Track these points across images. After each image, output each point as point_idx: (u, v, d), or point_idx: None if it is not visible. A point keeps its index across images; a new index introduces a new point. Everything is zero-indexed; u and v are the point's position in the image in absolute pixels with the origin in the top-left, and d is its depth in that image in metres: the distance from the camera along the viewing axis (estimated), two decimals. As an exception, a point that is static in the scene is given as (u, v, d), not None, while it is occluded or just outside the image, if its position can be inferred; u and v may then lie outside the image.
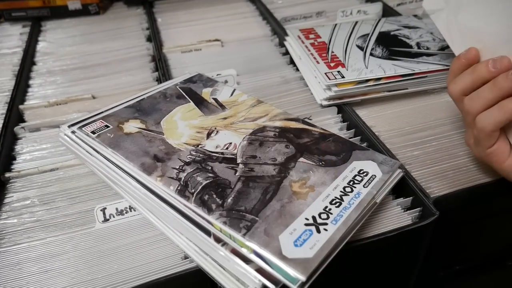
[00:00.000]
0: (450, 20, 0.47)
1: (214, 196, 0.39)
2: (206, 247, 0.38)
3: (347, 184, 0.41)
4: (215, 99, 0.55)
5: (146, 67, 0.71)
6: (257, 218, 0.37)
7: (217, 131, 0.48)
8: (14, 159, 0.54)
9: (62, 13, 0.85)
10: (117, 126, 0.49)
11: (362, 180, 0.42)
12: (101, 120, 0.49)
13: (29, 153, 0.55)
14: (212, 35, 0.78)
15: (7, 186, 0.50)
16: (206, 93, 0.57)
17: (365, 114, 0.58)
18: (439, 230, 0.44)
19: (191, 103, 0.54)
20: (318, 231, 0.36)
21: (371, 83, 0.57)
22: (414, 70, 0.58)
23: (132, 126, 0.49)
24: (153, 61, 0.73)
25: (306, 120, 0.52)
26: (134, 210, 0.45)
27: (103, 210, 0.45)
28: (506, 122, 0.39)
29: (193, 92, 0.56)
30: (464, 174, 0.49)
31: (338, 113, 0.59)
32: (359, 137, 0.55)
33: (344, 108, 0.58)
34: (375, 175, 0.42)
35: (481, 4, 0.43)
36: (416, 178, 0.48)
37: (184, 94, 0.56)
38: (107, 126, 0.48)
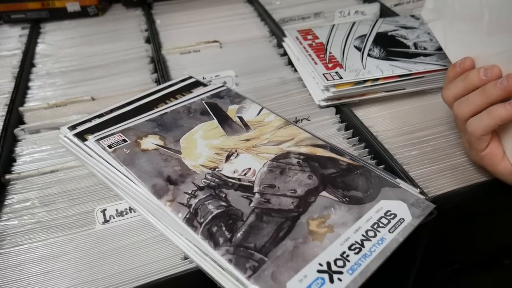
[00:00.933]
0: (445, 29, 0.50)
1: (223, 228, 0.37)
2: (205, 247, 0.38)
3: (371, 227, 0.37)
4: (241, 118, 0.52)
5: (145, 69, 0.71)
6: (265, 259, 0.34)
7: (237, 154, 0.45)
8: (14, 161, 0.54)
9: (61, 15, 0.85)
10: (135, 141, 0.47)
11: (388, 223, 0.38)
12: (120, 134, 0.48)
13: (29, 155, 0.55)
14: (210, 37, 0.78)
15: (8, 188, 0.50)
16: (232, 110, 0.53)
17: (363, 114, 0.59)
18: (437, 228, 0.44)
19: (215, 120, 0.51)
20: (332, 280, 0.32)
21: (369, 83, 0.57)
22: (411, 71, 0.58)
23: (150, 142, 0.47)
24: (152, 63, 0.73)
25: (334, 147, 0.48)
26: (134, 211, 0.45)
27: (103, 211, 0.45)
28: (495, 127, 0.41)
29: (218, 108, 0.53)
30: (461, 174, 0.49)
31: (336, 113, 0.59)
32: (357, 137, 0.55)
33: (342, 108, 0.59)
34: (403, 219, 0.38)
35: (473, 16, 0.45)
36: (414, 177, 0.48)
37: (209, 110, 0.53)
38: (125, 141, 0.47)
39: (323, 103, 0.58)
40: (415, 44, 0.64)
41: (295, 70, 0.69)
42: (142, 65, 0.72)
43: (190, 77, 0.61)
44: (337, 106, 0.59)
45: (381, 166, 0.50)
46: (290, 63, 0.71)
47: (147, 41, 0.79)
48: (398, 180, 0.45)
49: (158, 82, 0.68)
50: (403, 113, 0.59)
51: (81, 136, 0.48)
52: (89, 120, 0.51)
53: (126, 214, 0.46)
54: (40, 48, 0.78)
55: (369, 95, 0.59)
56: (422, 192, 0.45)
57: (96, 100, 0.65)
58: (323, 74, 0.58)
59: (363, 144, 0.54)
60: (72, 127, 0.50)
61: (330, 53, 0.63)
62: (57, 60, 0.75)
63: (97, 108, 0.63)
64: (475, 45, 0.45)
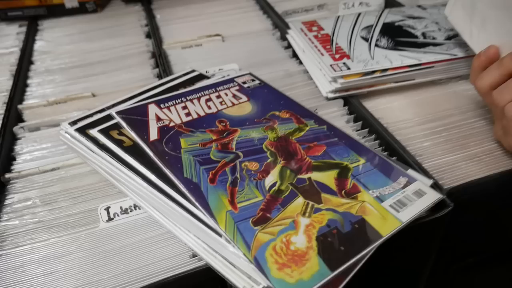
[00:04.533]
0: (470, 19, 0.51)
1: None
2: (215, 244, 0.36)
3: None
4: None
5: (146, 64, 0.70)
6: None
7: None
8: (14, 159, 0.53)
9: (59, 11, 0.83)
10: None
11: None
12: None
13: (29, 153, 0.53)
14: (212, 30, 0.76)
15: (8, 187, 0.49)
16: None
17: (372, 106, 0.57)
18: (452, 222, 0.43)
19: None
20: None
21: (377, 74, 0.55)
22: (421, 60, 0.56)
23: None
24: (153, 58, 0.71)
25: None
26: (139, 209, 0.44)
27: (107, 209, 0.44)
28: None
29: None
30: (476, 165, 0.47)
31: (344, 105, 0.58)
32: (367, 129, 0.53)
33: (351, 100, 0.57)
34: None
35: (504, 3, 0.46)
36: (428, 169, 0.46)
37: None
38: None
39: (331, 95, 0.57)
40: (423, 34, 0.63)
41: (300, 63, 0.67)
42: (143, 60, 0.71)
43: (193, 71, 0.60)
44: (345, 98, 0.58)
45: (394, 158, 0.49)
46: (294, 55, 0.69)
47: (148, 36, 0.77)
48: (410, 171, 0.43)
49: (159, 77, 0.66)
50: (413, 104, 0.57)
51: (83, 131, 0.47)
52: (91, 115, 0.49)
53: (130, 211, 0.44)
54: (38, 45, 0.77)
55: (378, 86, 0.57)
56: (436, 183, 0.43)
57: (97, 96, 0.64)
58: (331, 65, 0.56)
59: (373, 136, 0.52)
60: (73, 123, 0.48)
61: (337, 44, 0.61)
62: (56, 57, 0.73)
63: (98, 104, 0.61)
64: (503, 33, 0.46)
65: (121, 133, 0.45)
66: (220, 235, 0.35)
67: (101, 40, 0.77)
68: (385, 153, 0.50)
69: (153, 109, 0.49)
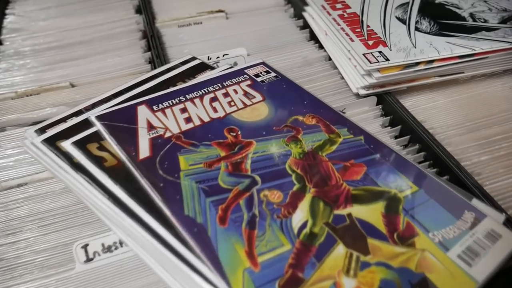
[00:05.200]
0: None
1: None
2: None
3: None
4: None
5: (136, 46, 0.59)
6: None
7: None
8: (-29, 170, 0.42)
9: (33, -21, 0.70)
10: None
11: None
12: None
13: (-10, 162, 0.43)
14: (214, 5, 0.65)
15: (-40, 209, 0.39)
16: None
17: (412, 105, 0.47)
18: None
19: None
20: None
21: (421, 66, 0.45)
22: (475, 50, 0.46)
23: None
24: (144, 38, 0.60)
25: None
26: (127, 245, 0.34)
27: (85, 247, 0.34)
28: None
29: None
30: (550, 187, 0.38)
31: (377, 103, 0.47)
32: (408, 136, 0.43)
33: (386, 97, 0.47)
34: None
35: None
36: (491, 193, 0.37)
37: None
38: None
39: (363, 91, 0.46)
40: (472, 16, 0.52)
41: (320, 47, 0.56)
42: (132, 42, 0.59)
43: (194, 58, 0.49)
44: (379, 94, 0.47)
45: (445, 177, 0.39)
46: (312, 37, 0.58)
47: (138, 11, 0.65)
48: (475, 201, 0.34)
49: (152, 62, 0.55)
50: (461, 103, 0.47)
51: (53, 143, 0.36)
52: (64, 119, 0.39)
53: (115, 249, 0.34)
54: (8, 21, 0.64)
55: (420, 81, 0.47)
56: (508, 219, 0.34)
57: (77, 86, 0.53)
58: (364, 55, 0.45)
59: (417, 146, 0.42)
60: (41, 130, 0.38)
61: (368, 26, 0.50)
62: (28, 35, 0.61)
63: (77, 97, 0.51)
64: None
65: (102, 147, 0.35)
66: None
67: (83, 15, 0.65)
68: (434, 170, 0.40)
69: (143, 113, 0.38)
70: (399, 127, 0.44)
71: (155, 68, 0.53)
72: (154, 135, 0.36)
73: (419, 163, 0.41)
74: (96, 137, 0.36)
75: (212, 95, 0.41)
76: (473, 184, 0.37)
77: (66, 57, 0.57)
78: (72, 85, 0.53)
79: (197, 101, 0.40)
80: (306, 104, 0.41)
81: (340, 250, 0.29)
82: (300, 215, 0.31)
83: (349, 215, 0.31)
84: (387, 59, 0.44)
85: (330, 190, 0.33)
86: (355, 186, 0.33)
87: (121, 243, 0.34)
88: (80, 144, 0.35)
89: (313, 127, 0.39)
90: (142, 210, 0.31)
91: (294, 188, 0.33)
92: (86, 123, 0.38)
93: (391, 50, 0.46)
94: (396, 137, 0.44)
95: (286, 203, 0.31)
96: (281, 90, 0.43)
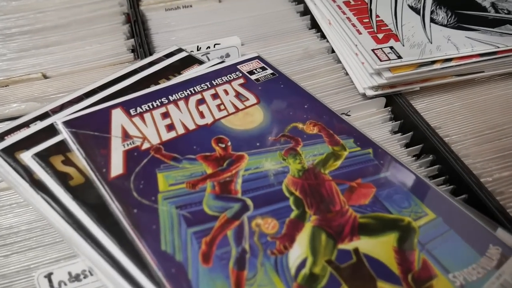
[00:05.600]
0: None
1: None
2: None
3: None
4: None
5: (118, 31, 0.53)
6: None
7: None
8: None
9: (5, -48, 0.63)
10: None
11: None
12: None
13: None
14: (206, -14, 0.58)
15: None
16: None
17: (424, 107, 0.42)
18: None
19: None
20: None
21: (438, 65, 0.40)
22: (498, 47, 0.40)
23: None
24: (127, 23, 0.54)
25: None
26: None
27: (49, 276, 0.29)
28: None
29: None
30: None
31: (386, 105, 0.42)
32: (421, 145, 0.38)
33: (396, 99, 0.41)
34: None
35: None
36: (515, 218, 0.32)
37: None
38: None
39: (370, 92, 0.41)
40: (493, 6, 0.46)
41: (323, 36, 0.51)
42: (113, 27, 0.53)
43: (180, 50, 0.43)
44: (388, 95, 0.42)
45: (462, 197, 0.34)
46: (314, 26, 0.53)
47: (121, -9, 0.59)
48: (500, 231, 0.29)
49: (135, 51, 0.49)
50: (480, 106, 0.42)
51: (11, 153, 0.31)
52: (26, 124, 0.33)
53: (84, 277, 0.30)
54: (-25, -1, 0.58)
55: (434, 81, 0.42)
56: (539, 251, 0.29)
57: (50, 78, 0.47)
58: (373, 51, 0.40)
59: (430, 158, 0.38)
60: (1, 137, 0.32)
61: (378, 16, 0.45)
62: (-3, 17, 0.55)
63: (50, 90, 0.46)
64: None
65: (68, 161, 0.30)
66: None
67: (60, -5, 0.58)
68: (449, 187, 0.36)
69: (118, 118, 0.33)
70: (410, 133, 0.40)
71: (138, 58, 0.48)
72: (130, 146, 0.31)
73: (433, 177, 0.37)
74: (62, 148, 0.31)
75: (199, 96, 0.36)
76: (496, 207, 0.32)
77: (39, 43, 0.51)
78: (45, 77, 0.47)
79: (181, 103, 0.35)
80: (307, 108, 0.36)
81: None
82: (298, 251, 0.26)
83: (356, 250, 0.26)
84: (399, 57, 0.39)
85: (333, 218, 0.28)
86: (363, 213, 0.28)
87: (90, 272, 0.30)
88: (43, 157, 0.30)
89: (315, 137, 0.33)
90: (110, 242, 0.26)
91: (292, 216, 0.28)
92: (52, 130, 0.32)
93: (403, 45, 0.40)
94: (406, 145, 0.39)
95: (282, 235, 0.27)
96: (279, 91, 0.38)
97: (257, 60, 0.41)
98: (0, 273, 0.31)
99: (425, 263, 0.26)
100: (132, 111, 0.34)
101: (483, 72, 0.42)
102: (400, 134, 0.40)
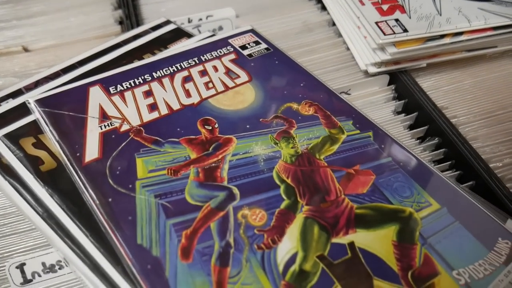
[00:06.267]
0: None
1: None
2: None
3: None
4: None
5: (104, 2, 0.49)
6: None
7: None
8: None
9: None
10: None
11: None
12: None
13: None
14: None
15: None
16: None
17: (431, 86, 0.39)
18: None
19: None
20: None
21: (447, 39, 0.36)
22: (514, 20, 0.37)
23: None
24: (115, -7, 0.50)
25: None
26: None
27: (21, 266, 0.27)
28: None
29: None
30: None
31: (390, 83, 0.39)
32: (426, 127, 0.36)
33: (400, 76, 0.38)
34: None
35: None
36: (526, 207, 0.30)
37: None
38: None
39: (373, 69, 0.38)
40: (510, -27, 0.42)
41: (323, 8, 0.47)
42: (100, -3, 0.50)
43: (168, 22, 0.40)
44: (392, 72, 0.39)
45: (469, 184, 0.32)
46: (315, -4, 0.49)
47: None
48: (510, 222, 0.27)
49: (122, 23, 0.46)
50: (491, 84, 0.39)
51: (-21, 135, 0.28)
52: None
53: (59, 268, 0.28)
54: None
55: (443, 57, 0.38)
56: (551, 245, 0.27)
57: (31, 51, 0.45)
58: (377, 24, 0.37)
59: (436, 140, 0.35)
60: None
61: (383, -15, 0.41)
62: (-23, -14, 0.51)
63: (31, 64, 0.43)
64: None
65: (39, 143, 0.28)
66: None
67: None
68: (456, 172, 0.33)
69: (96, 96, 0.30)
70: (415, 114, 0.37)
71: (126, 30, 0.44)
72: (107, 128, 0.28)
73: (438, 162, 0.34)
74: (33, 129, 0.28)
75: (185, 72, 0.33)
76: (506, 195, 0.30)
77: (20, 14, 0.48)
78: (26, 50, 0.44)
79: (166, 81, 0.32)
80: (303, 87, 0.33)
81: None
82: (288, 245, 0.24)
83: (352, 245, 0.24)
84: (405, 30, 0.36)
85: (328, 208, 0.25)
86: (360, 203, 0.26)
87: (66, 263, 0.28)
88: (12, 139, 0.28)
89: (310, 119, 0.31)
90: (82, 235, 0.24)
91: (282, 206, 0.25)
92: (24, 109, 0.30)
93: (410, 17, 0.37)
94: (410, 127, 0.37)
95: (270, 228, 0.24)
96: (273, 68, 0.35)
97: (250, 33, 0.38)
98: (-28, 262, 0.29)
99: (427, 259, 0.24)
100: (111, 89, 0.31)
101: (496, 47, 0.39)
102: (404, 114, 0.37)
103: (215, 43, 0.36)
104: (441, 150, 0.34)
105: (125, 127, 0.28)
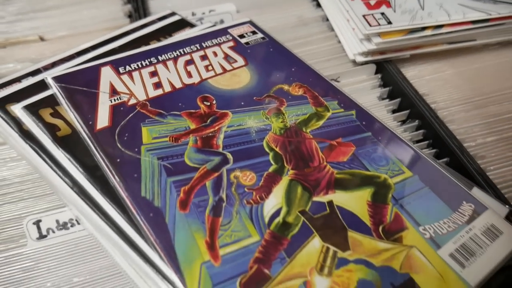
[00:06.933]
0: None
1: None
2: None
3: None
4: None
5: (115, -3, 0.53)
6: None
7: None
8: None
9: None
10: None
11: None
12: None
13: None
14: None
15: None
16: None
17: (414, 75, 0.42)
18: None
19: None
20: None
21: (428, 32, 0.40)
22: (490, 15, 0.40)
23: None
24: (125, -11, 0.54)
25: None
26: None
27: (37, 223, 0.31)
28: None
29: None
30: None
31: (376, 72, 0.42)
32: (407, 111, 0.39)
33: (386, 66, 0.42)
34: None
35: None
36: (494, 180, 0.33)
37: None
38: None
39: (360, 58, 0.41)
40: (490, -27, 0.45)
41: (318, 5, 0.51)
42: (111, -8, 0.54)
43: (173, 14, 0.43)
44: (378, 62, 0.42)
45: (444, 160, 0.35)
46: (311, -6, 0.53)
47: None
48: (475, 190, 0.30)
49: (131, 17, 0.50)
50: (471, 75, 0.42)
51: (2, 106, 0.32)
52: (18, 79, 0.34)
53: (71, 226, 0.31)
54: (-23, -37, 0.58)
55: (425, 48, 0.42)
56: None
57: (47, 40, 0.48)
58: (364, 16, 0.40)
59: (416, 123, 0.38)
60: (-8, 91, 0.33)
61: (372, -17, 0.44)
62: (-2, -19, 0.55)
63: (46, 52, 0.46)
64: None
65: (56, 113, 0.31)
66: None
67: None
68: (433, 150, 0.36)
69: (107, 74, 0.34)
70: (398, 100, 0.40)
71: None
72: (117, 101, 0.32)
73: (417, 142, 0.37)
74: (51, 101, 0.32)
75: (188, 57, 0.36)
76: (476, 169, 0.33)
77: (37, 7, 0.52)
78: (42, 39, 0.48)
79: (170, 63, 0.35)
80: (294, 71, 0.36)
81: (315, 243, 0.25)
82: (273, 201, 0.27)
83: (330, 203, 0.27)
84: (389, 22, 0.39)
85: (311, 172, 0.29)
86: (340, 169, 0.29)
87: (77, 221, 0.31)
88: (32, 109, 0.31)
89: (299, 99, 0.34)
90: (93, 188, 0.27)
91: (270, 169, 0.29)
92: (42, 85, 0.33)
93: (395, 11, 0.40)
94: (394, 111, 0.40)
95: (259, 187, 0.27)
96: (267, 54, 0.38)
97: (248, 24, 0.41)
98: (-8, 220, 0.32)
99: (397, 216, 0.27)
100: (121, 69, 0.34)
101: (475, 40, 0.42)
102: (388, 100, 0.40)
103: (215, 32, 0.39)
104: (420, 131, 0.37)
105: (132, 101, 0.32)
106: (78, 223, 0.31)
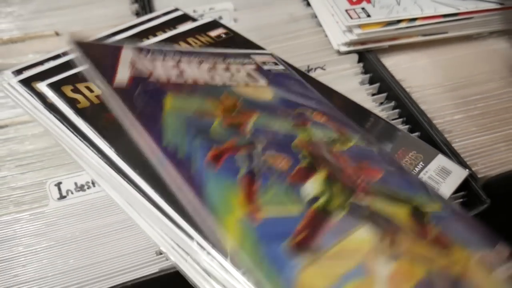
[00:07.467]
0: None
1: None
2: (186, 246, 0.28)
3: None
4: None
5: (123, -3, 0.58)
6: None
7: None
8: (-46, 111, 0.43)
9: None
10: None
11: None
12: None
13: (-28, 104, 0.44)
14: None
15: None
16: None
17: (392, 64, 0.47)
18: (487, 221, 0.34)
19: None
20: None
21: (403, 24, 0.45)
22: (459, 9, 0.45)
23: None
24: (132, -10, 0.59)
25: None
26: (99, 186, 0.35)
27: (58, 185, 0.35)
28: None
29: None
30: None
31: (359, 61, 0.47)
32: (385, 93, 0.44)
33: (367, 56, 0.47)
34: None
35: None
36: (459, 151, 0.37)
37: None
38: None
39: (344, 48, 0.46)
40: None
41: (308, 4, 0.56)
42: (119, -8, 0.59)
43: (176, 10, 0.48)
44: (360, 52, 0.47)
45: (416, 134, 0.39)
46: (302, -7, 0.58)
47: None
48: (440, 156, 0.34)
49: (138, 15, 0.55)
50: (443, 64, 0.47)
51: (28, 84, 0.37)
52: (41, 62, 0.39)
53: (88, 188, 0.36)
54: (-4, -32, 0.64)
55: (402, 40, 0.46)
56: (472, 175, 0.35)
57: (62, 35, 0.53)
58: (346, 11, 0.45)
59: (392, 104, 0.43)
60: (18, 71, 0.38)
61: (354, -18, 0.49)
62: (16, -17, 0.61)
63: (62, 46, 0.51)
64: None
65: (76, 90, 0.36)
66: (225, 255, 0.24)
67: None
68: (406, 126, 0.41)
69: (128, 54, 0.35)
70: (377, 85, 0.45)
71: (141, 20, 0.53)
72: (136, 74, 0.33)
73: (393, 119, 0.42)
74: (72, 79, 0.36)
75: (210, 64, 0.37)
76: (442, 141, 0.37)
77: (53, 6, 0.57)
78: (57, 34, 0.53)
79: (193, 64, 0.37)
80: (315, 103, 0.37)
81: (366, 231, 0.24)
82: (311, 187, 0.26)
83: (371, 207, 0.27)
84: (368, 15, 0.44)
85: (345, 177, 0.29)
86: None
87: (93, 183, 0.36)
88: (55, 86, 0.36)
89: (322, 124, 0.34)
90: (109, 148, 0.31)
91: (302, 164, 0.28)
92: (63, 67, 0.38)
93: (374, 6, 0.45)
94: (373, 95, 0.44)
95: (293, 173, 0.27)
96: (289, 83, 0.38)
97: (270, 55, 0.42)
98: (18, 185, 0.37)
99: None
100: (143, 53, 0.37)
101: (447, 33, 0.47)
102: (368, 84, 0.45)
103: (238, 54, 0.40)
104: (396, 110, 0.42)
105: (153, 79, 0.33)
106: (94, 186, 0.35)
